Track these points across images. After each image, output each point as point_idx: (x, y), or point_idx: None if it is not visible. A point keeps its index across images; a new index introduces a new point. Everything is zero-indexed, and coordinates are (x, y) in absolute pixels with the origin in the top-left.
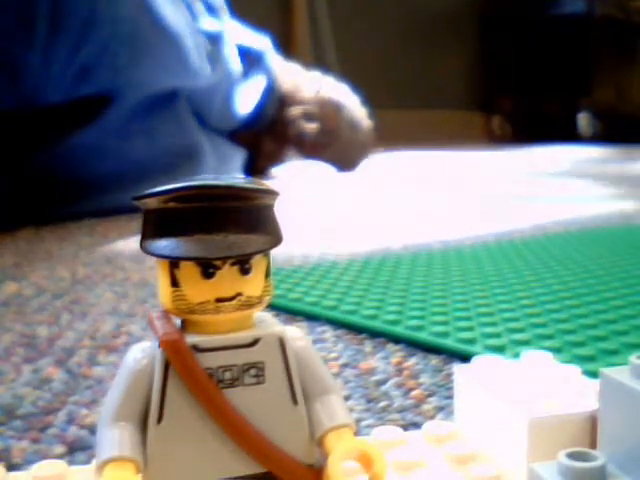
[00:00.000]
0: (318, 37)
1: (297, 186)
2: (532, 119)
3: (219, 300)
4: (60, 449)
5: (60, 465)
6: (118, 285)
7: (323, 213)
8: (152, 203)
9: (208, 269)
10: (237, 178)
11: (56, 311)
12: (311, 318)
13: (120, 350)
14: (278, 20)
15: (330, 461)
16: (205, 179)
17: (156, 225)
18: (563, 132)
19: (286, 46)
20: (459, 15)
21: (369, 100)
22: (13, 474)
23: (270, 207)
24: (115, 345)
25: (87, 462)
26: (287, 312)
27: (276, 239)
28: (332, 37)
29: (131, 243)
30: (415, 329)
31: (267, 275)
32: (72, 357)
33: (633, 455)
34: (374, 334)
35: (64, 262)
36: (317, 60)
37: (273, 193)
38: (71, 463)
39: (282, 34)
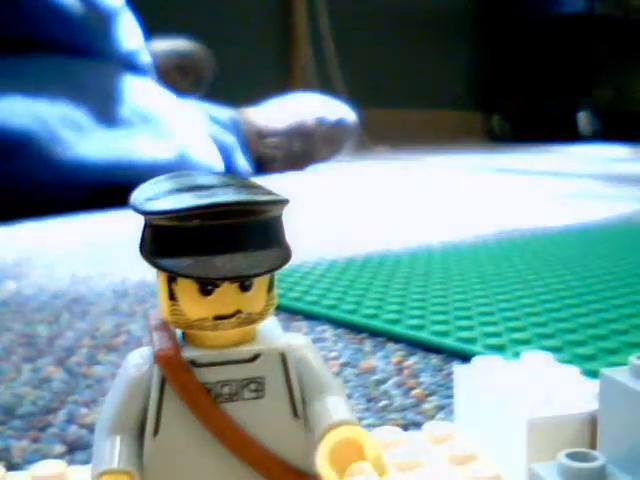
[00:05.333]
0: (317, 37)
1: (297, 186)
2: (532, 118)
3: (217, 318)
4: (60, 448)
5: (60, 465)
6: (118, 284)
7: (323, 213)
8: (155, 219)
9: (206, 286)
10: (245, 186)
11: (56, 310)
12: (311, 317)
13: (120, 349)
14: (278, 21)
15: (318, 462)
16: (212, 183)
17: (157, 238)
18: (563, 131)
19: (286, 47)
20: (459, 15)
21: (369, 100)
22: (13, 473)
23: (277, 219)
24: (115, 344)
25: (87, 461)
26: (287, 311)
27: (283, 257)
28: (331, 38)
29: (130, 241)
30: (415, 328)
31: (270, 288)
32: (72, 356)
33: (633, 455)
34: (374, 333)
35: (64, 261)
36: (316, 60)
37: (282, 202)
38: (71, 462)
39: (282, 35)
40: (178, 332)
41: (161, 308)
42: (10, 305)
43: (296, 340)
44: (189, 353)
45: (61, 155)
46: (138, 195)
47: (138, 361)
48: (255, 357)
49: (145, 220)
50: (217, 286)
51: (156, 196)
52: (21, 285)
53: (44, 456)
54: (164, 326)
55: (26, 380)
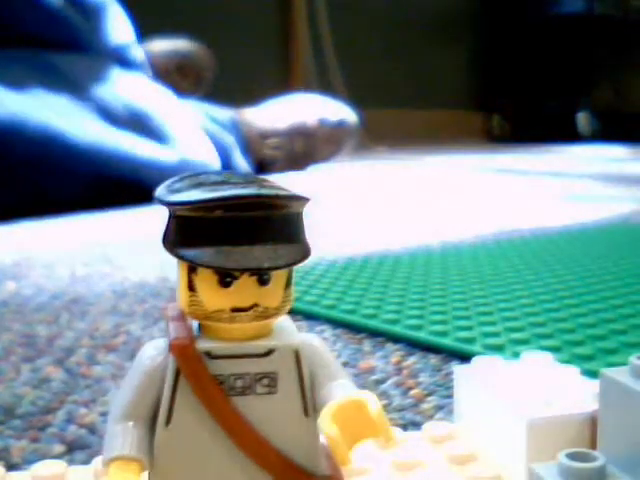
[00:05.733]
0: (317, 37)
1: (297, 186)
2: (531, 118)
3: (235, 310)
4: (59, 448)
5: (60, 465)
6: (117, 284)
7: (322, 213)
8: (179, 210)
9: (225, 278)
10: (267, 184)
11: (55, 310)
12: (310, 317)
13: (119, 349)
14: (277, 21)
15: (320, 419)
16: (229, 181)
17: (180, 229)
18: (562, 131)
19: (286, 47)
20: (458, 14)
21: (369, 100)
22: (13, 474)
23: (298, 216)
24: (114, 344)
25: (86, 461)
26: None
27: (303, 252)
28: (331, 37)
29: (130, 242)
30: (414, 328)
31: (288, 285)
32: (71, 356)
33: (633, 455)
34: (373, 333)
35: (63, 261)
36: (316, 60)
37: (303, 199)
38: (70, 462)
39: (282, 35)
40: (195, 325)
41: (180, 299)
42: (9, 305)
43: (310, 340)
44: (204, 344)
45: (56, 150)
46: (162, 189)
47: (152, 353)
48: (269, 352)
49: (169, 212)
50: (236, 278)
51: (180, 189)
52: (20, 285)
53: (43, 456)
54: (181, 317)
55: (25, 380)
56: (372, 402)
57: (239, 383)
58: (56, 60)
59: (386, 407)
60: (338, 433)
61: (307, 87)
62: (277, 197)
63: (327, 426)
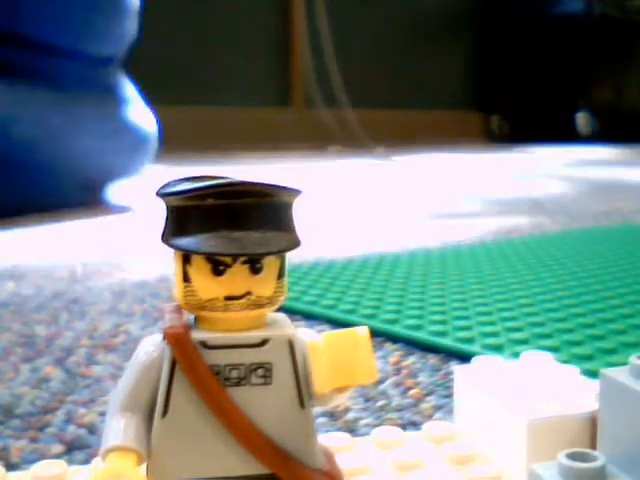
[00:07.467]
0: (316, 37)
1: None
2: (531, 118)
3: (228, 298)
4: (58, 448)
5: (60, 465)
6: (116, 284)
7: (321, 213)
8: (172, 201)
9: (218, 266)
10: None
11: (54, 310)
12: (309, 317)
13: (118, 349)
14: (277, 20)
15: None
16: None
17: (175, 220)
18: (561, 131)
19: (285, 47)
20: (458, 15)
21: (368, 100)
22: (13, 474)
23: (288, 206)
24: (113, 344)
25: (85, 461)
26: (286, 311)
27: (294, 241)
28: (330, 37)
29: (129, 242)
30: (413, 328)
31: (280, 276)
32: (70, 356)
33: (633, 455)
34: (372, 333)
35: (62, 261)
36: (315, 60)
37: (292, 190)
38: (69, 462)
39: (281, 35)
40: (191, 318)
41: (175, 291)
42: (9, 305)
43: (305, 333)
44: (200, 335)
45: (62, 162)
46: (160, 186)
47: (149, 348)
48: (263, 342)
49: (166, 206)
50: (229, 266)
51: (175, 184)
52: (20, 285)
53: (42, 456)
54: (177, 310)
55: (25, 380)
56: (364, 343)
57: (234, 374)
58: (72, 69)
59: (385, 407)
60: (326, 353)
61: (306, 88)
62: (266, 186)
63: (319, 346)
